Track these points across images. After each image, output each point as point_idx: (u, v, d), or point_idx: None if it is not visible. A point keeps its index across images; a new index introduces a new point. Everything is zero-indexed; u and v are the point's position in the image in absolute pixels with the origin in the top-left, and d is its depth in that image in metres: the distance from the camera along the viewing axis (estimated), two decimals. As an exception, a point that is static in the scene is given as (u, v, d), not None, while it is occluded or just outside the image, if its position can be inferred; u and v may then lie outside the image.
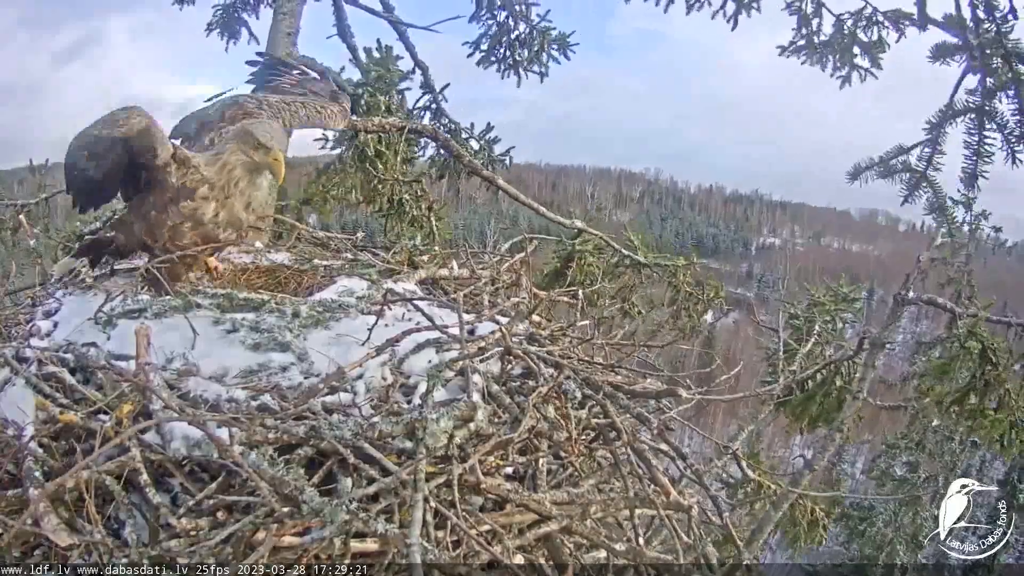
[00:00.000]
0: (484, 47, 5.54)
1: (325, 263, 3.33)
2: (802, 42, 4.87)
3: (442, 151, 4.83)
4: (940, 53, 4.20)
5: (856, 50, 4.77)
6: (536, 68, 5.54)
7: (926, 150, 4.29)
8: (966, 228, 4.32)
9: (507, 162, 5.35)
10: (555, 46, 5.48)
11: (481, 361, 2.38)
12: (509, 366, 2.45)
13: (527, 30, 5.46)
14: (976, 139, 4.19)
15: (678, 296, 5.23)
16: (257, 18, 5.50)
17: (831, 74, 4.90)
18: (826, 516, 5.09)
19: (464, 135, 5.31)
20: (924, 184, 4.32)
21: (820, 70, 4.95)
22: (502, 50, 5.52)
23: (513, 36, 5.48)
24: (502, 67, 5.58)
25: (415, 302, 2.70)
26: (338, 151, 4.76)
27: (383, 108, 4.47)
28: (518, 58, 5.52)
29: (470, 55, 5.57)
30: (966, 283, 4.26)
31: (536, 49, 5.46)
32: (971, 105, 4.18)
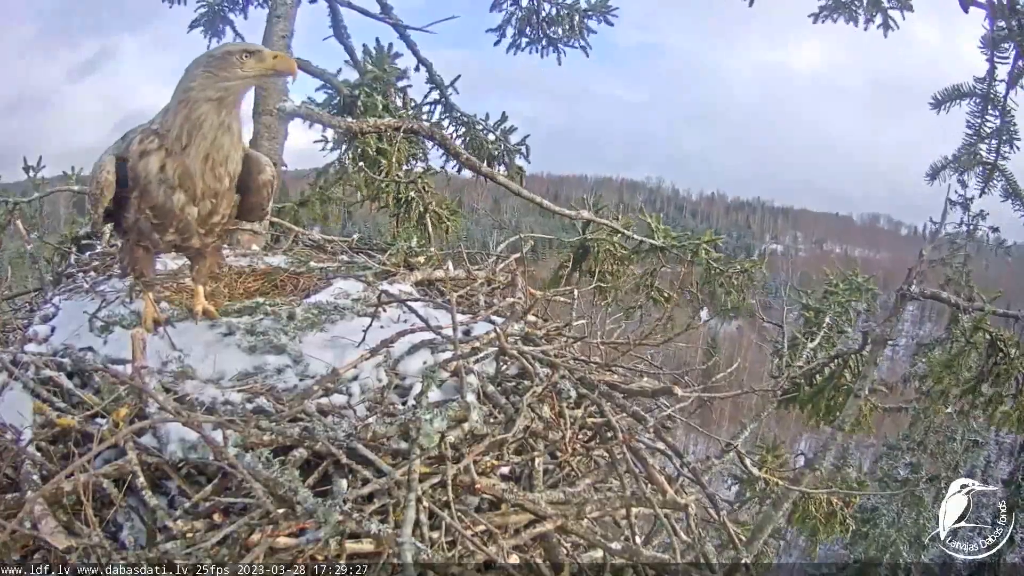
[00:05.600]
0: (510, 33, 5.36)
1: (321, 265, 3.34)
2: (830, 3, 4.78)
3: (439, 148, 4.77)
4: (994, 42, 4.01)
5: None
6: (575, 43, 5.33)
7: (994, 141, 4.17)
8: (964, 228, 4.29)
9: (524, 151, 5.23)
10: (591, 15, 5.25)
11: (476, 362, 2.38)
12: (504, 366, 2.45)
13: (553, 10, 5.29)
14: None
15: (708, 274, 4.92)
16: (245, 18, 5.27)
17: (865, 28, 4.76)
18: (845, 506, 5.01)
19: (479, 127, 5.26)
20: (996, 174, 4.23)
21: (854, 26, 4.79)
22: (533, 31, 5.33)
23: (543, 16, 5.30)
24: (537, 47, 5.38)
25: (410, 303, 2.70)
26: (337, 153, 4.76)
27: (380, 108, 4.45)
28: (552, 35, 5.32)
29: (497, 43, 5.43)
30: (965, 283, 4.24)
31: (569, 26, 5.25)
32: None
